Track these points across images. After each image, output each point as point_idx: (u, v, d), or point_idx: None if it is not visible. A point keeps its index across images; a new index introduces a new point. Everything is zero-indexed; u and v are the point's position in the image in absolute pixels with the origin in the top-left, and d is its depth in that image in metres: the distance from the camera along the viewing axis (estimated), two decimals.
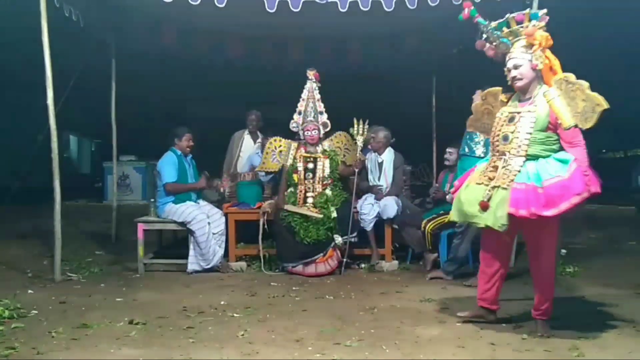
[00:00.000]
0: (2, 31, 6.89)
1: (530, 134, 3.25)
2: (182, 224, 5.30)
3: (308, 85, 5.67)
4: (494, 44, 3.43)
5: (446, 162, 5.53)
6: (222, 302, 4.13)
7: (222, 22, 5.99)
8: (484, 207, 3.22)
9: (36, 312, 3.84)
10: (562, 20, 6.41)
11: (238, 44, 6.82)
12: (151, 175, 8.76)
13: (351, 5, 4.89)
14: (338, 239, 5.25)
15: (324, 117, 5.64)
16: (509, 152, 3.29)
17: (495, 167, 3.31)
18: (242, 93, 8.66)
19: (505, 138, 3.32)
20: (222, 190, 6.08)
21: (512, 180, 3.19)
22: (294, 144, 5.69)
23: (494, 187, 3.24)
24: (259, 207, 5.56)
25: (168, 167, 5.35)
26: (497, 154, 3.36)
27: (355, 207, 5.48)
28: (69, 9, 5.39)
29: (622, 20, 6.82)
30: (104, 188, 9.62)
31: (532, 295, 3.55)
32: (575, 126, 3.14)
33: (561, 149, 3.26)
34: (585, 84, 3.16)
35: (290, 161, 5.60)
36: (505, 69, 3.39)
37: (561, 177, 3.12)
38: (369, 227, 5.53)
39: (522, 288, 4.58)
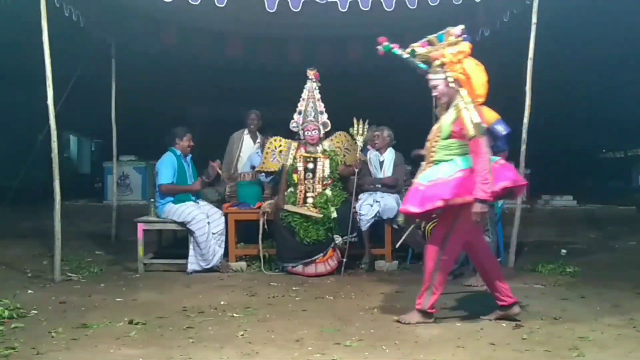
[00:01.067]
0: (2, 31, 6.90)
1: (437, 141, 3.54)
2: (182, 224, 5.30)
3: (308, 85, 5.67)
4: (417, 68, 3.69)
5: None
6: (222, 302, 4.13)
7: (222, 22, 5.99)
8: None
9: (36, 312, 3.84)
10: (563, 22, 6.44)
11: (238, 44, 6.81)
12: (151, 175, 8.75)
13: (351, 5, 4.89)
14: (338, 239, 5.25)
15: (324, 117, 5.64)
16: (426, 158, 3.64)
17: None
18: (242, 93, 8.67)
19: (431, 145, 3.63)
20: (218, 170, 5.85)
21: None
22: (294, 144, 5.69)
23: None
24: (259, 207, 5.56)
25: (165, 168, 5.35)
26: (428, 159, 3.65)
27: (354, 207, 5.47)
28: (69, 8, 5.38)
29: (623, 21, 6.83)
30: (104, 188, 9.61)
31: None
32: (476, 136, 3.37)
33: (464, 153, 3.47)
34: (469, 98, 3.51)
35: (290, 161, 5.59)
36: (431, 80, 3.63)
37: (442, 179, 3.40)
38: (364, 227, 5.52)
39: (522, 288, 4.58)
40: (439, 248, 3.52)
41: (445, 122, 3.51)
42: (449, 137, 3.49)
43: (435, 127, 3.63)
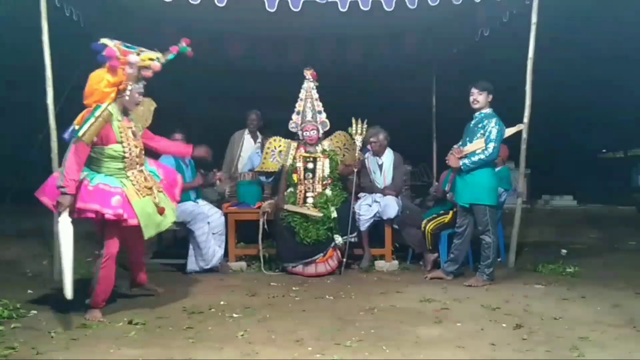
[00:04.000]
0: (2, 31, 6.89)
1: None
2: (182, 223, 5.29)
3: (305, 85, 5.66)
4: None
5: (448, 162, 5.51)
6: (222, 302, 4.13)
7: (222, 22, 5.99)
8: (162, 211, 3.84)
9: (36, 312, 3.84)
10: (563, 22, 6.44)
11: (238, 44, 6.82)
12: None
13: (351, 5, 4.90)
14: (338, 239, 5.25)
15: (322, 117, 5.62)
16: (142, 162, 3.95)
17: (144, 178, 3.86)
18: (241, 93, 8.67)
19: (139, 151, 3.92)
20: (218, 182, 5.94)
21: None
22: (294, 144, 5.68)
23: (158, 192, 3.89)
24: (259, 207, 5.56)
25: None
26: (138, 166, 3.89)
27: (354, 207, 5.46)
28: (70, 9, 5.38)
29: (623, 21, 6.82)
30: None
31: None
32: (78, 139, 3.69)
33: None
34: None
35: (290, 161, 5.60)
36: (140, 91, 3.96)
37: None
38: (363, 227, 5.51)
39: (522, 288, 4.58)
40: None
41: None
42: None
43: (130, 131, 3.88)
